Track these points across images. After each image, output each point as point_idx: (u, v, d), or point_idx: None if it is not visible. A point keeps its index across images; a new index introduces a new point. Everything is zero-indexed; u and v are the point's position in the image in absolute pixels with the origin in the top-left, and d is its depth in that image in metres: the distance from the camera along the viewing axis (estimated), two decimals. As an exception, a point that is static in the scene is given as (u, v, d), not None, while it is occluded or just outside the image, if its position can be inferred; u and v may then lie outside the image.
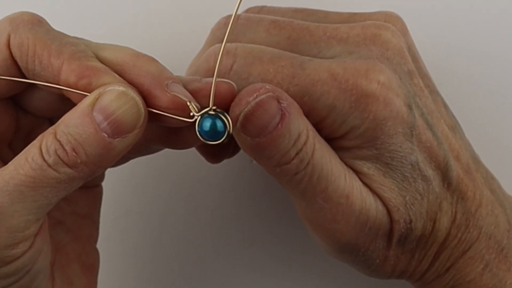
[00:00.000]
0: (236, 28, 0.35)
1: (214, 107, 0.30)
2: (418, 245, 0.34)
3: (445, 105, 0.37)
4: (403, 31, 0.36)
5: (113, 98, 0.29)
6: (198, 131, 0.30)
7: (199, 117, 0.30)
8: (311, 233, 0.35)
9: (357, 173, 0.33)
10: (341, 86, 0.32)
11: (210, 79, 0.31)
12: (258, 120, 0.30)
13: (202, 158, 0.37)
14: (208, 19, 0.37)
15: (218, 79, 0.31)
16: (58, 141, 0.29)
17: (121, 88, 0.30)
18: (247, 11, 0.38)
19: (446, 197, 0.34)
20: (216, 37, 0.36)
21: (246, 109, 0.30)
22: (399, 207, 0.33)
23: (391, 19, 0.36)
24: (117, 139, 0.30)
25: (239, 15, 0.35)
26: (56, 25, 0.33)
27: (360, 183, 0.33)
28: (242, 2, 0.30)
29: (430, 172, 0.33)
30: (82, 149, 0.29)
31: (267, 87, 0.30)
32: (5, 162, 0.32)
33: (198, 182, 0.43)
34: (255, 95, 0.30)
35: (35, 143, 0.30)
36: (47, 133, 0.30)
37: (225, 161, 0.37)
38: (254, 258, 0.43)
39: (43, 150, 0.30)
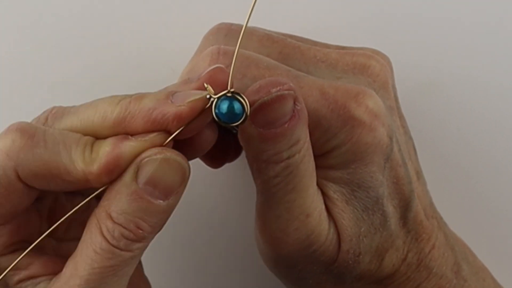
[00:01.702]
0: (230, 34, 0.35)
1: (232, 90, 0.30)
2: (360, 278, 0.35)
3: (415, 150, 0.37)
4: (389, 68, 0.36)
5: (156, 168, 0.29)
6: (215, 113, 0.30)
7: (216, 100, 0.30)
8: (256, 234, 0.35)
9: (322, 193, 0.33)
10: (330, 106, 0.32)
11: (201, 75, 0.31)
12: (272, 112, 0.30)
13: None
14: (210, 20, 0.37)
15: (214, 67, 0.30)
16: (119, 224, 0.29)
17: (159, 156, 0.29)
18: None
19: (399, 236, 0.35)
20: (209, 41, 0.36)
21: (266, 98, 0.30)
22: (353, 238, 0.33)
23: (379, 55, 0.36)
24: (171, 198, 0.30)
25: (231, 24, 0.36)
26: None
27: (323, 206, 0.33)
28: (252, 9, 0.29)
29: (390, 208, 0.34)
30: (144, 223, 0.29)
31: (291, 84, 0.30)
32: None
33: (198, 182, 0.43)
34: (278, 88, 0.30)
35: (94, 231, 0.30)
36: (101, 218, 0.30)
37: (225, 160, 0.37)
38: (254, 258, 0.43)
39: (108, 238, 0.29)
